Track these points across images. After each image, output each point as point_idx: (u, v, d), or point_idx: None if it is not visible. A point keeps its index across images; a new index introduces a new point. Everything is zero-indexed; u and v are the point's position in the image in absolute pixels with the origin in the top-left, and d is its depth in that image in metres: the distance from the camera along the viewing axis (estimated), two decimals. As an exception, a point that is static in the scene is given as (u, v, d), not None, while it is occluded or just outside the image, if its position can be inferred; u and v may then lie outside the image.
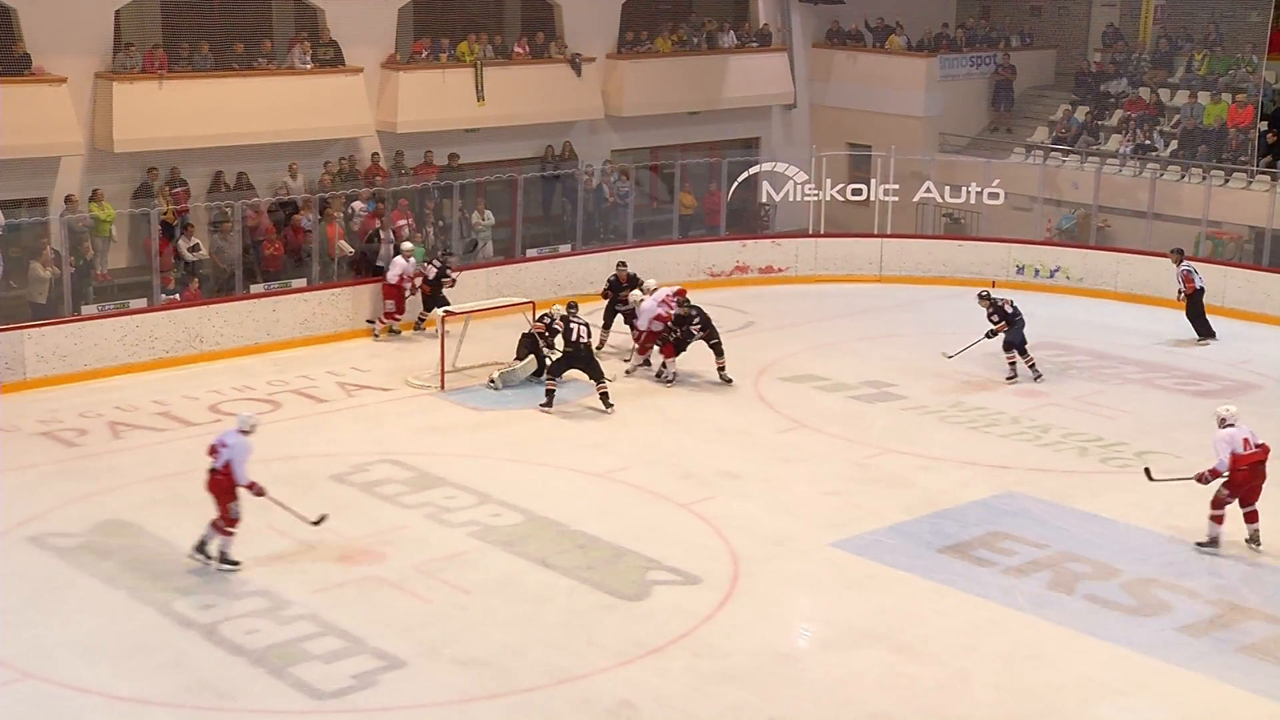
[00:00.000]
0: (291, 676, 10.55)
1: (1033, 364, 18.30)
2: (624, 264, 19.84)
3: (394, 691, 10.43)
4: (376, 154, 22.45)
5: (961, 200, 24.35)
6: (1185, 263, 20.43)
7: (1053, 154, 26.18)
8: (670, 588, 12.29)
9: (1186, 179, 24.38)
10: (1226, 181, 24.04)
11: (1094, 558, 12.99)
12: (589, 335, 17.03)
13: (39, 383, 17.36)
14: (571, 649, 11.14)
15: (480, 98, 23.60)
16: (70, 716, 10.01)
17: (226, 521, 12.30)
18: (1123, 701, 10.62)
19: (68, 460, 15.04)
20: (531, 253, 22.65)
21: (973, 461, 15.46)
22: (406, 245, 19.67)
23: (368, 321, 19.67)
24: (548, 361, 17.30)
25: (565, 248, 22.92)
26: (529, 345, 17.04)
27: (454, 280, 19.75)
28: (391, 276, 19.43)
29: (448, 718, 10.11)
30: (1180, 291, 20.34)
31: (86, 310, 18.36)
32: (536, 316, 17.92)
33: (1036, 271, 23.57)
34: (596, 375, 16.94)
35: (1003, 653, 11.27)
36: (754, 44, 27.34)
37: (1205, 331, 20.26)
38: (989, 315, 18.64)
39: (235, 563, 12.33)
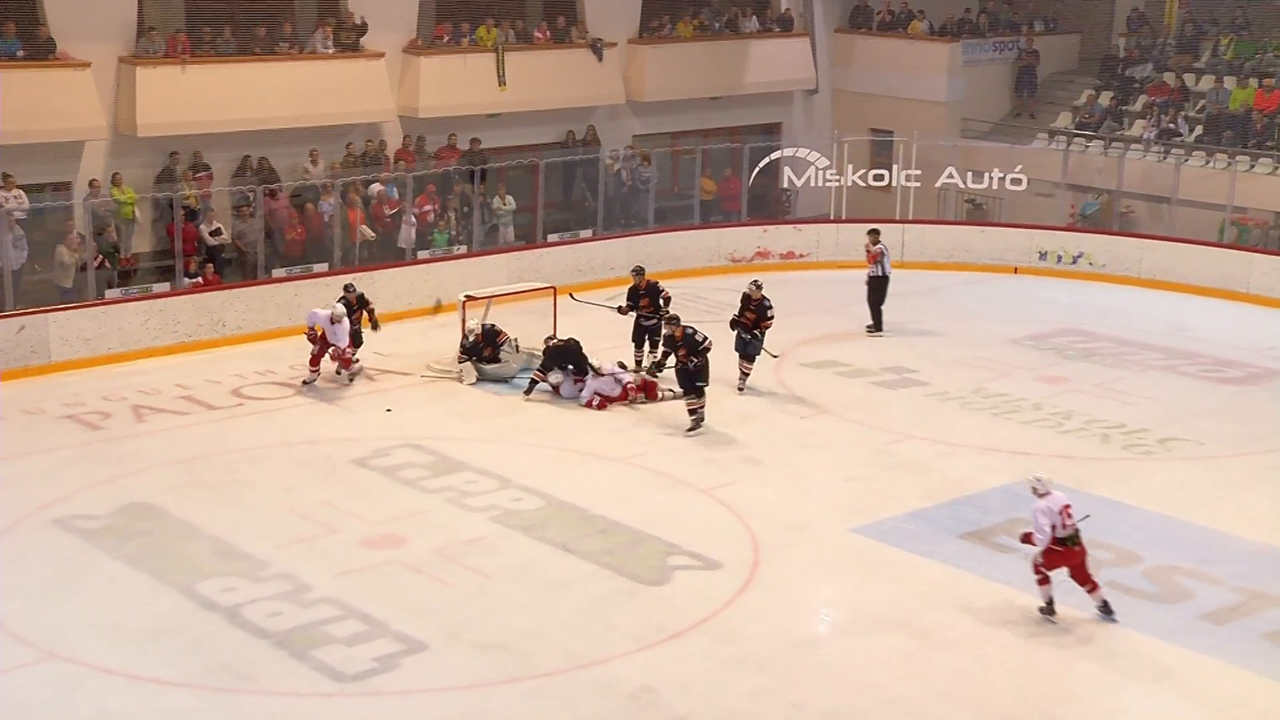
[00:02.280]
0: (313, 659, 10.60)
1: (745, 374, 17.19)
2: (641, 269, 17.95)
3: (415, 675, 10.46)
4: (408, 137, 22.44)
5: (984, 186, 24.21)
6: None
7: (1076, 140, 25.99)
8: (690, 573, 12.29)
9: (1211, 165, 24.19)
10: (1252, 167, 23.84)
11: (1116, 544, 12.93)
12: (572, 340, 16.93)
13: (63, 366, 17.45)
14: (591, 634, 11.15)
15: (501, 82, 23.57)
16: (94, 697, 10.07)
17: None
18: (1144, 689, 10.59)
19: (91, 443, 15.12)
20: (552, 238, 22.62)
21: (994, 448, 15.40)
22: (339, 309, 16.92)
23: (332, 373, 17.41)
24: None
25: (586, 233, 22.89)
26: (555, 358, 16.95)
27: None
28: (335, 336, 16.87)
29: (468, 701, 10.14)
30: None
31: (110, 294, 18.44)
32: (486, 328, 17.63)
33: (1059, 257, 23.44)
34: (581, 369, 16.88)
35: (1022, 640, 11.24)
36: (775, 29, 27.23)
37: None
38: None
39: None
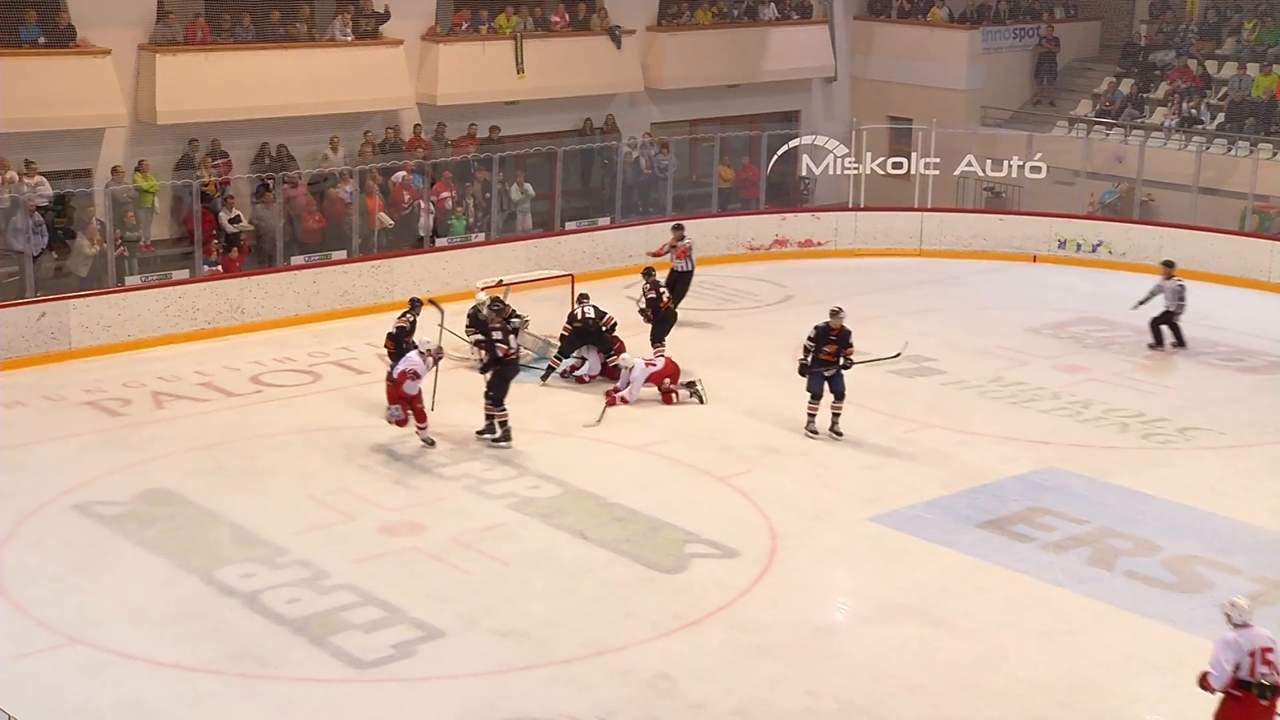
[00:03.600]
0: (332, 645, 10.64)
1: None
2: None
3: (433, 661, 10.49)
4: (419, 125, 22.45)
5: (1003, 174, 24.10)
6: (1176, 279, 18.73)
7: (1096, 127, 25.87)
8: (708, 561, 12.30)
9: (1233, 152, 24.04)
10: (1275, 155, 23.68)
11: (1134, 534, 12.90)
12: (595, 315, 16.94)
13: (83, 352, 17.53)
14: (609, 621, 11.17)
15: (520, 70, 23.55)
16: (115, 682, 10.13)
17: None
18: (1162, 678, 10.56)
19: (111, 429, 15.19)
20: (570, 225, 22.62)
21: (1013, 437, 15.36)
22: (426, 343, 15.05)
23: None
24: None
25: (604, 221, 22.88)
26: (574, 338, 16.98)
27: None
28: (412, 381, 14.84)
29: (485, 688, 10.17)
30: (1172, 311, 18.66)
31: (130, 281, 18.51)
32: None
33: (1079, 246, 23.33)
34: (606, 349, 16.92)
35: (1041, 628, 11.23)
36: (794, 16, 27.13)
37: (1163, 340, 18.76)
38: (645, 293, 17.39)
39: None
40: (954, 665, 10.62)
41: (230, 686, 10.10)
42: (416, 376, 14.39)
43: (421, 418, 14.60)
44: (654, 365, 16.52)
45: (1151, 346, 18.71)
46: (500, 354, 14.94)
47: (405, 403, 14.47)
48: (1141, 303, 18.81)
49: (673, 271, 19.15)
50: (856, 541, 12.82)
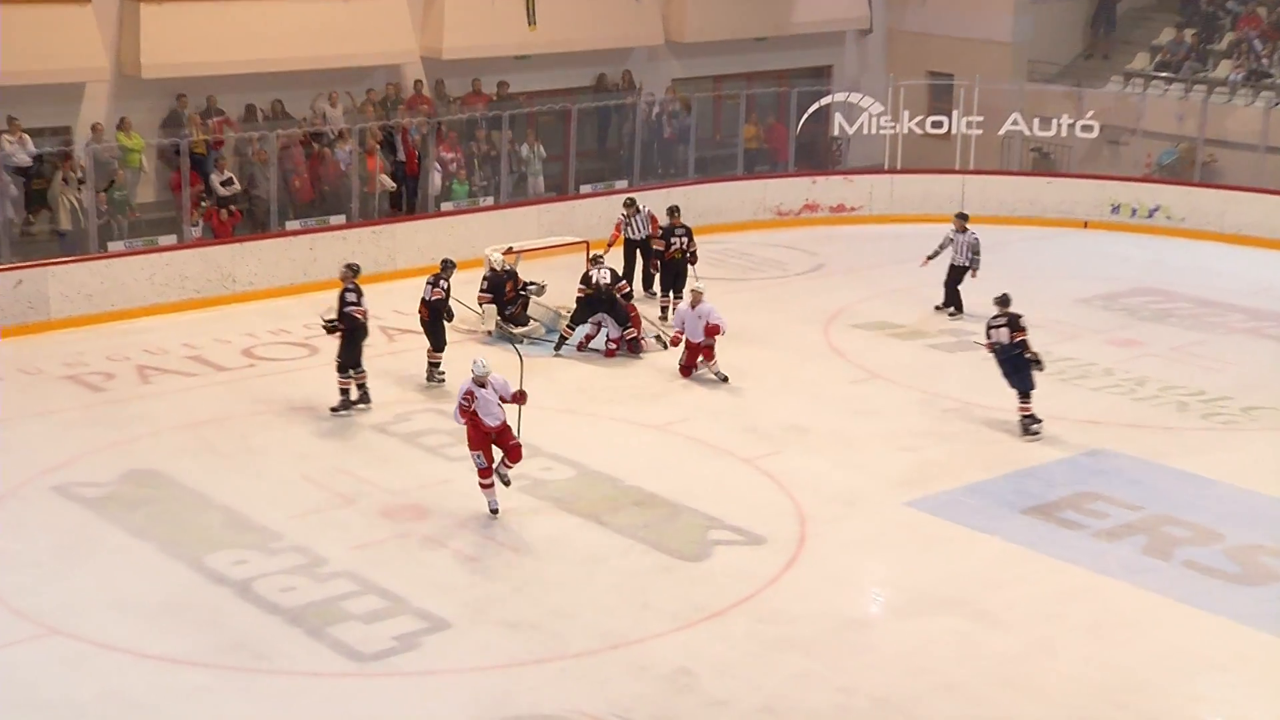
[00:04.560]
0: (330, 637, 10.67)
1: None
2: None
3: (438, 654, 10.51)
4: (419, 81, 22.39)
5: (1051, 133, 23.96)
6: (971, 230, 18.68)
7: (1154, 82, 25.65)
8: (732, 548, 12.29)
9: (1304, 108, 23.84)
10: (1350, 110, 23.49)
11: (1194, 521, 12.84)
12: (611, 279, 16.97)
13: (63, 324, 17.58)
14: (626, 612, 11.17)
15: (531, 22, 23.46)
16: (99, 675, 10.17)
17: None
18: (1222, 676, 10.51)
19: (94, 406, 15.24)
20: (585, 189, 22.58)
21: (1061, 416, 15.29)
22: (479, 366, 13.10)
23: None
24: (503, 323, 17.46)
25: (621, 184, 22.82)
26: (587, 306, 17.00)
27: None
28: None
29: (495, 683, 10.19)
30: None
31: (113, 247, 18.54)
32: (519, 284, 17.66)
33: (1134, 211, 23.20)
34: (622, 319, 16.96)
35: (1091, 622, 11.19)
36: (827, -38, 26.98)
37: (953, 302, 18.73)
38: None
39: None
40: (996, 661, 10.59)
41: (221, 680, 10.14)
42: (470, 400, 12.42)
43: (515, 455, 12.65)
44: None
45: (939, 308, 18.73)
46: (354, 317, 14.87)
47: (486, 442, 12.53)
48: (930, 258, 18.71)
49: (631, 243, 19.25)
50: (891, 528, 12.78)
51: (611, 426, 15.02)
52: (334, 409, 14.99)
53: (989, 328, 15.13)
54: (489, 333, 17.52)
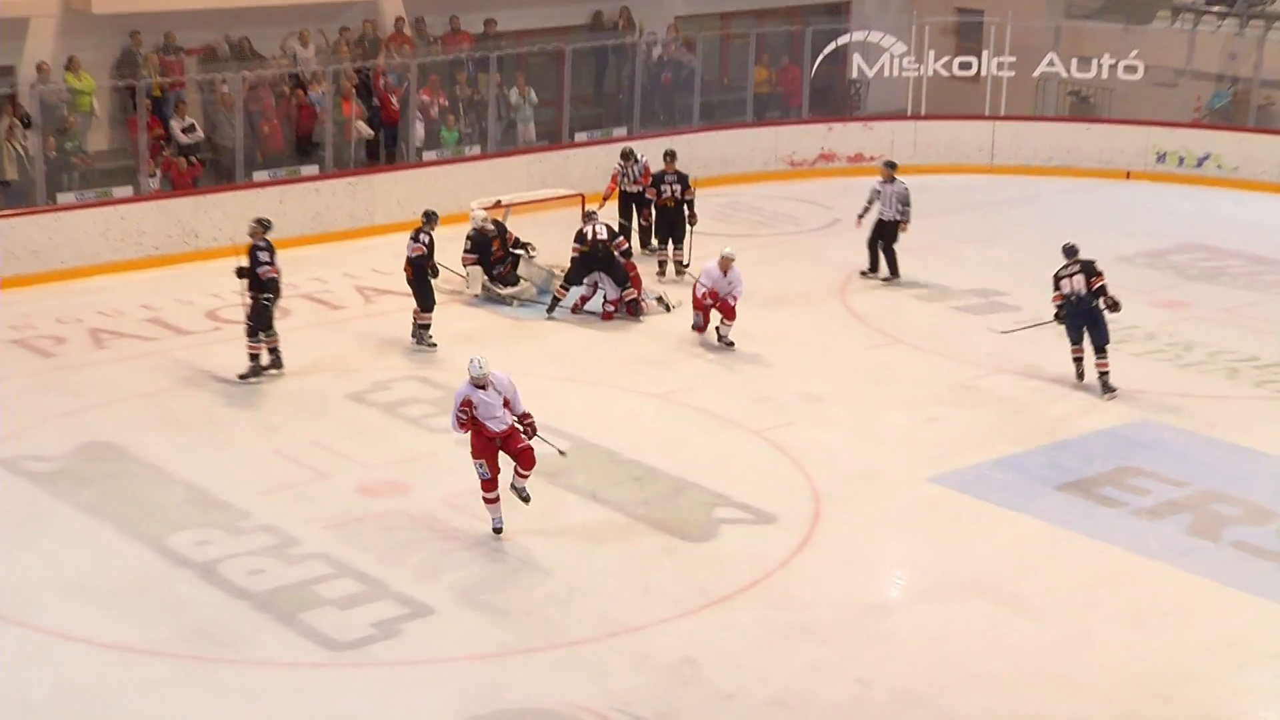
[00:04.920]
0: (302, 624, 10.67)
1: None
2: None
3: (420, 643, 10.51)
4: (400, 19, 22.27)
5: (1091, 75, 23.88)
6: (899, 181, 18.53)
7: (1206, 17, 25.46)
8: (740, 528, 12.30)
9: (1375, 46, 23.70)
10: None
11: (1245, 498, 12.83)
12: (608, 235, 16.93)
13: (9, 283, 17.52)
14: (625, 597, 11.18)
15: (521, -47, 23.33)
16: (50, 666, 10.17)
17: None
18: (1275, 666, 10.52)
19: (43, 373, 15.21)
20: (580, 137, 22.52)
21: (1099, 385, 15.28)
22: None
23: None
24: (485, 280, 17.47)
25: (619, 131, 22.74)
26: (582, 265, 16.95)
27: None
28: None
29: (481, 674, 10.19)
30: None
31: (63, 199, 18.46)
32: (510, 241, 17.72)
33: (1181, 160, 23.14)
34: (621, 279, 16.94)
35: (1132, 609, 11.19)
36: (844, -113, 26.82)
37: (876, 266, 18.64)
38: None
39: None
40: (1027, 651, 10.60)
41: (184, 671, 10.13)
42: (469, 407, 11.69)
43: (527, 460, 11.92)
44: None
45: (865, 274, 18.60)
46: (263, 277, 14.80)
47: (492, 449, 11.83)
48: (862, 216, 18.64)
49: (628, 196, 19.23)
50: (913, 506, 12.79)
51: (609, 395, 15.00)
52: (242, 376, 14.94)
53: (1058, 279, 15.20)
54: (475, 296, 17.48)
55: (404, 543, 11.92)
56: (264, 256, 14.85)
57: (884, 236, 18.47)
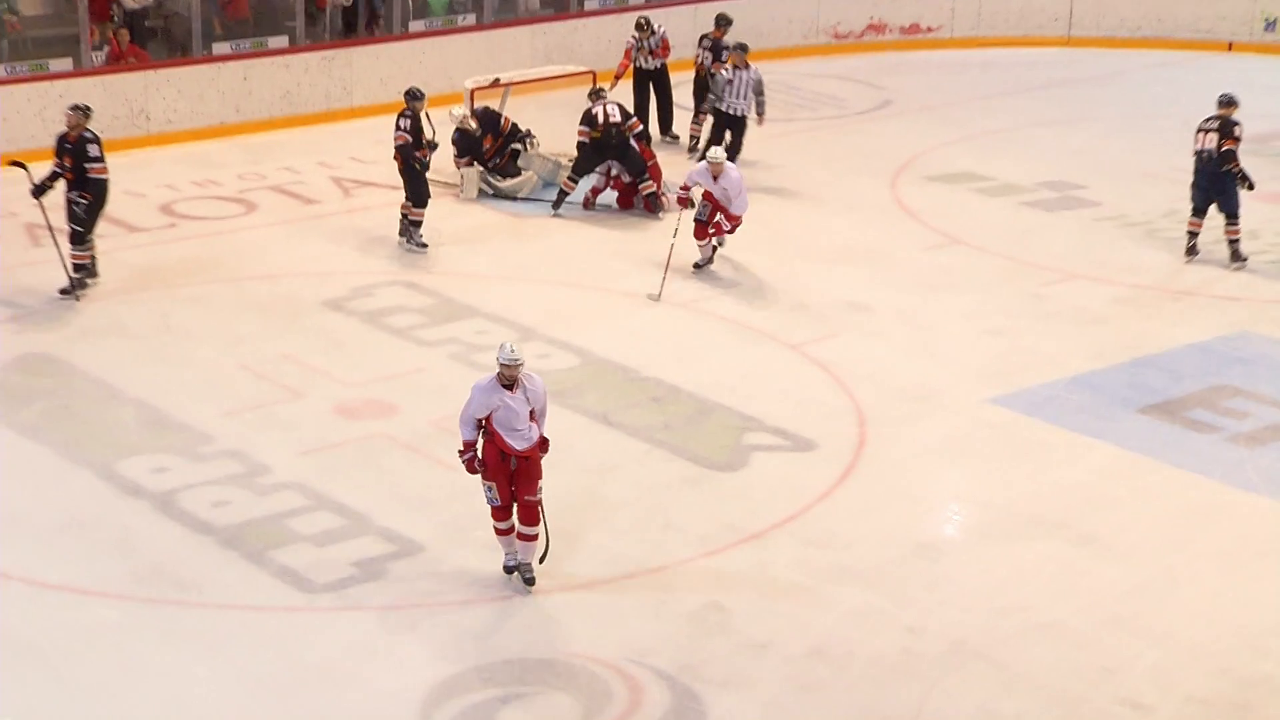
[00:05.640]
0: (273, 563, 10.71)
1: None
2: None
3: (407, 584, 10.54)
4: None
5: (1186, -71, 23.58)
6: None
7: None
8: (774, 455, 12.30)
9: None
10: None
11: (1357, 426, 12.83)
12: (621, 117, 16.82)
13: (-67, 172, 17.51)
14: (643, 534, 11.20)
15: None
16: (-14, 609, 10.25)
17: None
18: (1391, 614, 10.54)
19: (-25, 276, 15.25)
20: (591, 4, 22.36)
21: (1190, 291, 15.29)
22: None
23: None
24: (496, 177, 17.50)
25: (636, -1, 22.59)
26: (593, 152, 16.86)
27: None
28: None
29: (477, 619, 10.22)
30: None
31: (-9, 74, 18.41)
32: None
33: (1292, 29, 22.92)
34: (638, 169, 16.84)
35: (1226, 549, 11.19)
36: None
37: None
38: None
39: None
40: (1103, 596, 10.60)
41: (138, 616, 10.18)
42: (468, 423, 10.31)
43: (530, 515, 10.37)
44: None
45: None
46: (92, 175, 14.57)
47: (506, 471, 10.29)
48: (706, 111, 18.43)
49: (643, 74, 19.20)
50: (974, 431, 12.78)
51: (624, 304, 14.97)
52: (65, 291, 14.72)
53: (1199, 131, 15.49)
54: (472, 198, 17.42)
55: (389, 471, 11.94)
56: (94, 151, 14.52)
57: (734, 131, 18.23)
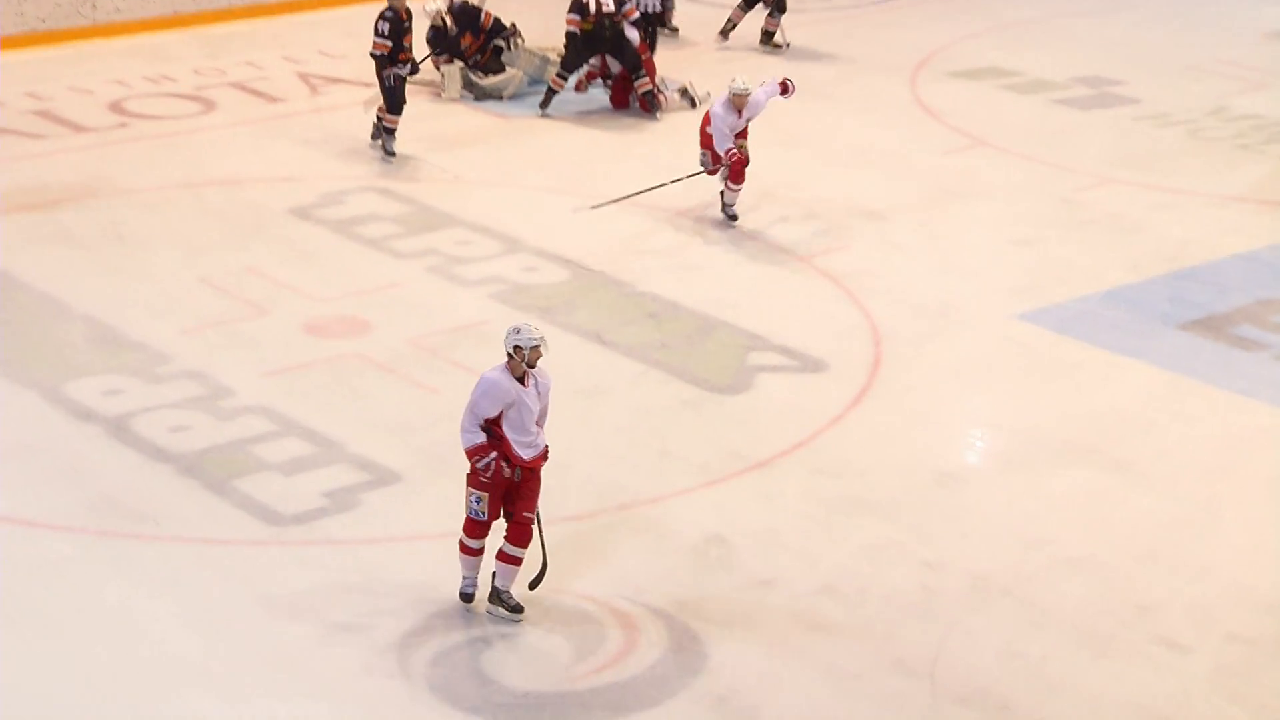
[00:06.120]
0: (237, 493, 10.72)
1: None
2: None
3: (383, 516, 10.58)
4: None
5: None
6: None
7: None
8: (780, 376, 12.32)
9: None
10: None
11: None
12: (615, 6, 16.73)
13: None
14: (638, 462, 11.23)
15: None
16: (-75, 543, 10.27)
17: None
18: None
19: (-93, 181, 15.20)
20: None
21: (1239, 196, 15.30)
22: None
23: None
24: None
25: None
26: (584, 46, 16.76)
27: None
28: None
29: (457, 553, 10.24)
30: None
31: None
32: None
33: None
34: (633, 65, 16.79)
35: (1273, 476, 11.25)
36: None
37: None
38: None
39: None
40: (1140, 528, 10.64)
41: (90, 550, 10.19)
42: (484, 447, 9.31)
43: (521, 535, 9.48)
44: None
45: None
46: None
47: (504, 486, 9.39)
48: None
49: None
50: (1000, 349, 12.81)
51: (618, 212, 14.93)
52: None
53: None
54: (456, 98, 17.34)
55: (362, 394, 11.95)
56: None
57: (650, 24, 18.10)
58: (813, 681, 9.06)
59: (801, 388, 12.19)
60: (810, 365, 12.45)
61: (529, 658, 9.15)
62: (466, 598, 9.57)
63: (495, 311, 13.04)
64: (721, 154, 14.28)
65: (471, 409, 9.22)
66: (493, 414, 9.17)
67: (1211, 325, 13.08)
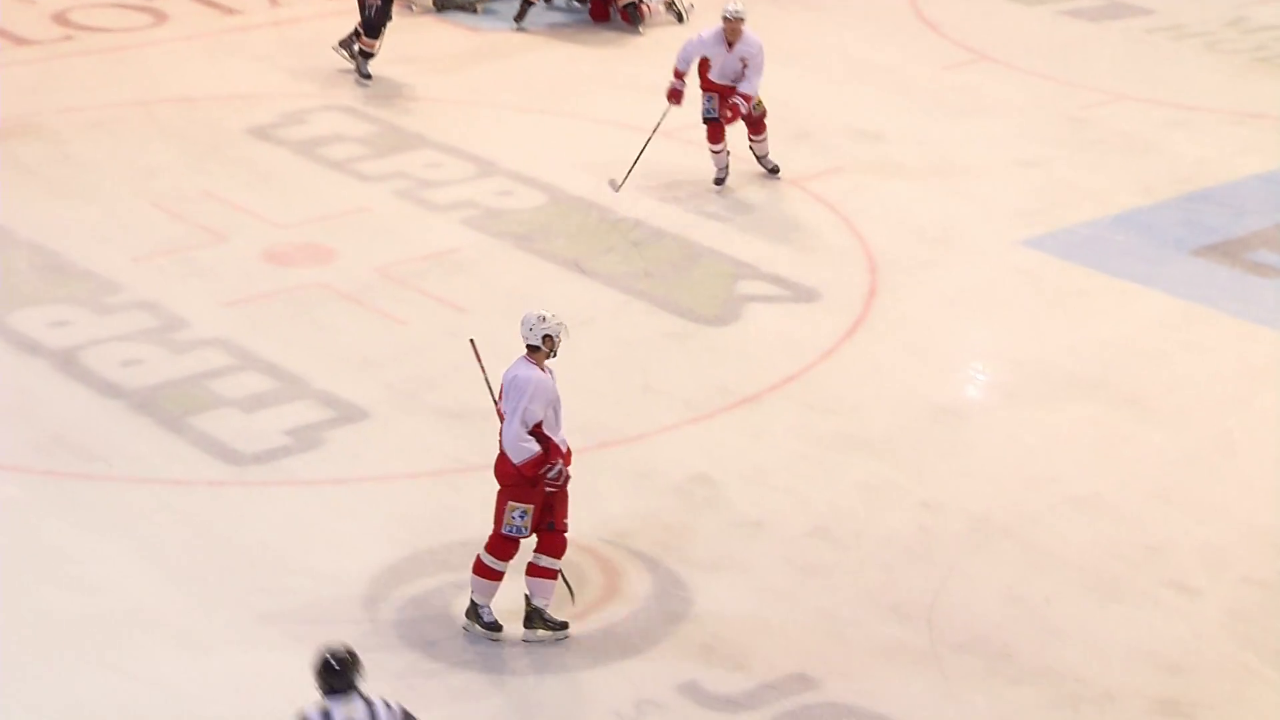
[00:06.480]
0: (193, 431, 10.74)
1: None
2: None
3: (350, 455, 10.60)
4: None
5: None
6: None
7: None
8: (771, 306, 12.36)
9: None
10: None
11: None
12: None
13: None
14: (620, 397, 11.25)
15: None
16: None
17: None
18: None
19: None
20: None
21: (1256, 113, 15.30)
22: None
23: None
24: None
25: None
26: None
27: None
28: None
29: (429, 494, 10.29)
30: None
31: None
32: None
33: None
34: None
35: (1290, 411, 11.27)
36: None
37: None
38: None
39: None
40: (1149, 465, 10.69)
41: (37, 492, 10.21)
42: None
43: (556, 546, 9.05)
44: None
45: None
46: None
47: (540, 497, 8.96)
48: None
49: None
50: (1002, 277, 12.84)
51: (598, 132, 14.93)
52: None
53: None
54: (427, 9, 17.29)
55: (327, 326, 11.95)
56: None
57: None
58: (804, 629, 9.11)
59: (792, 318, 12.20)
60: (802, 295, 12.47)
61: (506, 604, 9.11)
62: (494, 626, 8.99)
63: (468, 238, 13.05)
64: (674, 73, 13.72)
65: (520, 415, 8.76)
66: (542, 416, 8.84)
67: (1227, 250, 13.09)
